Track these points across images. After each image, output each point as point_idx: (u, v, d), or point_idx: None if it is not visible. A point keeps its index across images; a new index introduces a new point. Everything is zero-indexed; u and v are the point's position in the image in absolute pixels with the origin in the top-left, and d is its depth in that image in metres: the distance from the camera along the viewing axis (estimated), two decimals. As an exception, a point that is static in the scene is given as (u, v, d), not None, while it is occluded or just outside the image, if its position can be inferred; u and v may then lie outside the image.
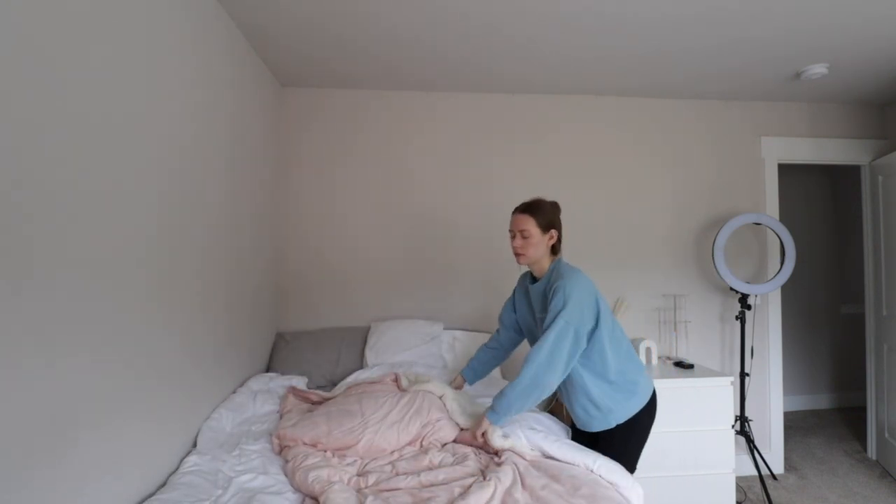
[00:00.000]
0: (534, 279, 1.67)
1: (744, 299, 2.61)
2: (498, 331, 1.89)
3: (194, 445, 1.57)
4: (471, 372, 1.90)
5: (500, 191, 2.72)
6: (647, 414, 1.58)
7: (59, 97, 1.01)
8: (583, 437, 1.65)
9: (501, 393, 1.48)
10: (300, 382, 2.16)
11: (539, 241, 1.58)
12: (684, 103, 2.87)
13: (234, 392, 1.94)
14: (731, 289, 2.60)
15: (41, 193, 0.96)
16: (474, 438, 1.52)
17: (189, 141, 1.59)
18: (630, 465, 1.59)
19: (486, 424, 1.49)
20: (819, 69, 2.39)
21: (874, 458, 2.90)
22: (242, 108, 2.08)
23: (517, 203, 1.67)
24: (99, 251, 1.14)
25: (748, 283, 2.67)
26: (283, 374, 2.27)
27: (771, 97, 2.84)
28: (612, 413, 1.55)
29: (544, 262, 1.62)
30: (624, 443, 1.57)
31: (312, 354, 2.38)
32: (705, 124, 2.88)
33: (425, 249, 2.69)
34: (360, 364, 2.39)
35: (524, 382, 1.44)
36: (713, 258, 2.60)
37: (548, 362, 1.43)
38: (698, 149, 2.87)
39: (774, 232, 2.66)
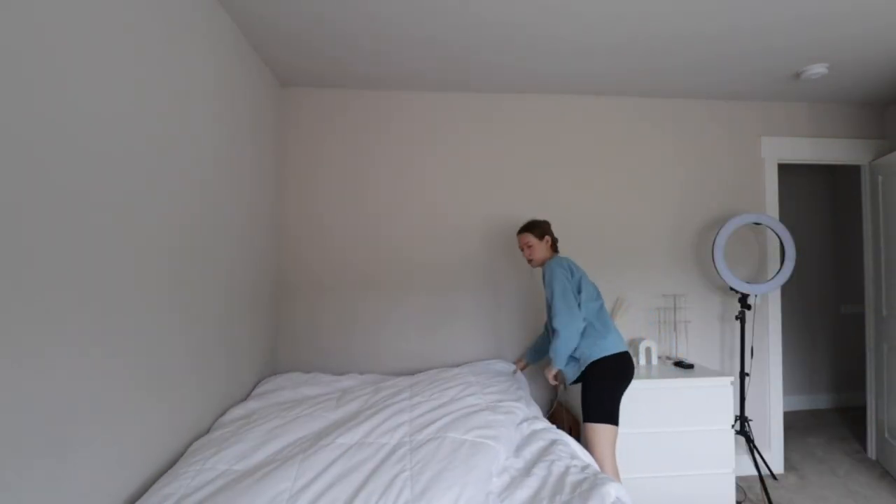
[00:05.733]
0: None
1: (744, 299, 2.61)
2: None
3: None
4: (533, 353, 2.42)
5: (502, 190, 2.71)
6: (614, 362, 1.90)
7: (44, 94, 1.01)
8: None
9: (555, 351, 1.94)
10: (308, 383, 2.16)
11: (539, 247, 2.14)
12: (684, 103, 2.87)
13: (245, 398, 1.94)
14: (731, 289, 2.60)
15: (44, 194, 0.96)
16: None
17: (187, 140, 1.59)
18: (602, 407, 1.85)
19: (555, 370, 2.03)
20: (819, 69, 2.39)
21: (874, 458, 2.90)
22: (242, 107, 2.08)
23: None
24: (102, 254, 1.14)
25: (748, 282, 2.67)
26: (284, 373, 2.26)
27: (771, 97, 2.84)
28: (585, 356, 1.92)
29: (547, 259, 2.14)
30: (596, 382, 1.90)
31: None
32: (705, 124, 2.87)
33: (427, 252, 2.69)
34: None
35: (565, 342, 1.91)
36: (713, 258, 2.60)
37: (569, 316, 1.90)
38: (698, 148, 2.87)
39: (774, 232, 2.66)
